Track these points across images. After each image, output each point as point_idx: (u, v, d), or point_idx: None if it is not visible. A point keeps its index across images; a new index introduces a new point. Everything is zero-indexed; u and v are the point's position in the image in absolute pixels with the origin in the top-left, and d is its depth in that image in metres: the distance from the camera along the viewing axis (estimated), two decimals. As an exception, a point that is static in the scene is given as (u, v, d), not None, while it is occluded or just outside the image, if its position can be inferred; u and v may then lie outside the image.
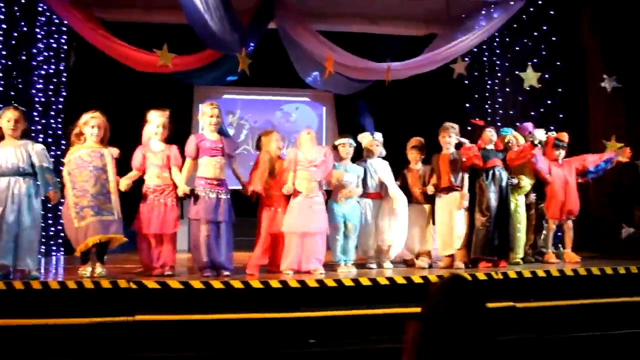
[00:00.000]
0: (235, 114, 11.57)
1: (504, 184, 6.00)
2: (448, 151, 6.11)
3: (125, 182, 5.12)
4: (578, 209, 6.59)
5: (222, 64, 8.82)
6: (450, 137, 6.10)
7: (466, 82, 10.09)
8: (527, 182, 6.38)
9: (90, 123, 5.20)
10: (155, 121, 5.38)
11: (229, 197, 5.23)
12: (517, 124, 7.60)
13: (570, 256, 6.44)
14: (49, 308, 4.23)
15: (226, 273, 5.06)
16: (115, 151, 5.26)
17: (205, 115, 5.49)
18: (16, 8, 7.92)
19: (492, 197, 5.92)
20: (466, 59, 9.70)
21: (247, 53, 7.77)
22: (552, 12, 8.30)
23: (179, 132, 10.06)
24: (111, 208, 4.97)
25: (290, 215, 5.41)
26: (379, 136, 6.57)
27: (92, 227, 4.86)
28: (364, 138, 6.50)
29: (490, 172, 6.02)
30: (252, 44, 8.50)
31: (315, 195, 5.50)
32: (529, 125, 7.11)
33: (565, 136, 6.70)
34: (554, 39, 8.33)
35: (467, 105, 10.04)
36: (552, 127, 8.04)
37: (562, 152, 6.63)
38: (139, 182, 5.36)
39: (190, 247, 5.41)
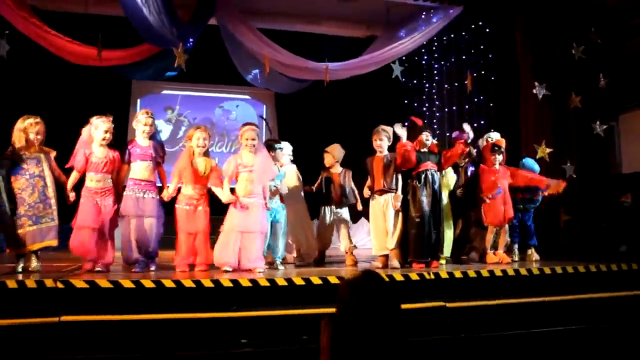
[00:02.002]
0: (174, 110, 11.40)
1: (436, 186, 6.12)
2: (381, 154, 6.18)
3: (69, 187, 5.29)
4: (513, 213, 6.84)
5: (161, 59, 8.67)
6: (381, 141, 6.17)
7: (408, 85, 10.30)
8: (450, 178, 6.73)
9: (34, 129, 5.23)
10: (102, 127, 5.38)
11: (156, 196, 5.49)
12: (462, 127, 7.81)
13: (502, 256, 6.64)
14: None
15: (152, 268, 5.42)
16: (53, 153, 5.36)
17: (140, 123, 5.63)
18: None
19: (425, 200, 6.03)
20: (405, 62, 9.93)
21: (186, 49, 7.66)
22: (484, 25, 8.57)
23: (116, 126, 9.81)
24: (51, 212, 5.16)
25: (231, 215, 5.51)
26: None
27: (30, 235, 5.04)
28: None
29: (423, 175, 6.12)
30: (191, 40, 8.38)
31: (255, 196, 5.53)
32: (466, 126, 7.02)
33: (502, 142, 6.85)
34: (489, 45, 8.60)
35: (405, 104, 10.23)
36: (482, 121, 8.32)
37: (500, 157, 6.78)
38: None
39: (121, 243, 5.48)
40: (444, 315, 4.81)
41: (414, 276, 5.07)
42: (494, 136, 7.06)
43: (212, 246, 5.52)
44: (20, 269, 5.05)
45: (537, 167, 7.11)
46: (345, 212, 6.83)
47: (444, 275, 5.20)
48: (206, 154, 5.67)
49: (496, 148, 6.75)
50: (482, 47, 8.67)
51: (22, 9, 7.57)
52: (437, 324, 4.73)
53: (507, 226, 6.73)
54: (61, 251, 5.57)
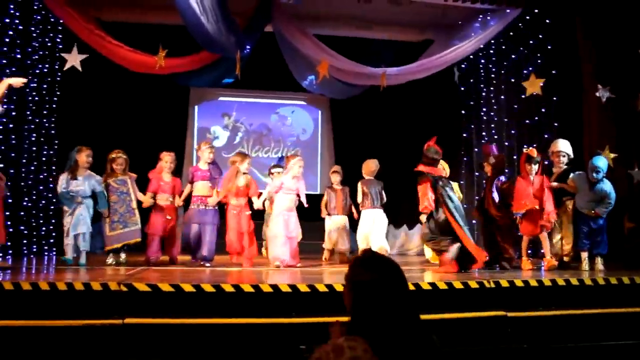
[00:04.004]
0: (231, 116, 11.56)
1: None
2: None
3: (148, 202, 7.08)
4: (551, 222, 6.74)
5: (218, 66, 8.84)
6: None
7: (462, 88, 10.13)
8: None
9: (116, 162, 6.97)
10: (167, 159, 7.26)
11: (213, 208, 7.19)
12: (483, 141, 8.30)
13: (549, 262, 6.66)
14: (39, 309, 4.19)
15: (207, 265, 6.93)
16: (134, 176, 7.10)
17: (204, 152, 7.35)
18: (12, 5, 7.89)
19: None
20: (462, 65, 9.77)
21: (243, 56, 7.77)
22: (547, 21, 8.31)
23: (175, 132, 10.19)
24: (135, 219, 6.94)
25: (278, 224, 6.97)
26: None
27: (121, 235, 6.87)
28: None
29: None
30: (248, 47, 8.50)
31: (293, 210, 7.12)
32: (493, 146, 7.49)
33: (535, 152, 6.79)
34: (549, 47, 8.34)
35: (461, 108, 10.07)
36: (546, 135, 8.07)
37: (535, 167, 6.72)
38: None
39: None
40: (504, 324, 4.69)
41: (473, 284, 4.96)
42: (561, 145, 6.91)
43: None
44: (111, 261, 6.78)
45: (601, 163, 6.78)
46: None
47: (504, 283, 5.06)
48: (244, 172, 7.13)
49: (530, 158, 6.72)
50: (541, 49, 8.43)
51: (88, 22, 7.88)
52: (497, 334, 4.62)
53: (545, 233, 6.76)
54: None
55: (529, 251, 7.32)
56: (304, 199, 7.13)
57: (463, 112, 10.03)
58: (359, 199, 7.84)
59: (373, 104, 9.99)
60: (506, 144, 9.04)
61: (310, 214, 7.85)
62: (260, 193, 7.27)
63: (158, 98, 10.28)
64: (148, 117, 10.23)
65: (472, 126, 9.89)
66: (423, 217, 6.38)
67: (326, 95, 10.96)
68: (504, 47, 9.15)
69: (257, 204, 7.04)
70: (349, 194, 8.23)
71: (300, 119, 11.83)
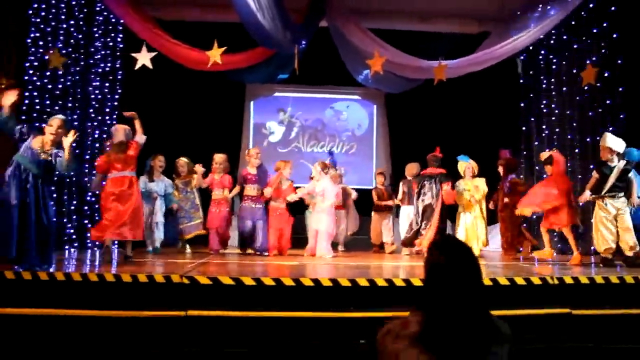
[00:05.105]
0: (286, 112, 11.63)
1: None
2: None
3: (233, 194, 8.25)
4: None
5: (274, 62, 8.89)
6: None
7: (521, 80, 9.88)
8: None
9: (181, 166, 8.31)
10: (218, 161, 8.20)
11: (263, 206, 8.04)
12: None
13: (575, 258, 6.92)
14: (101, 300, 4.33)
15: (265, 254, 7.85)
16: (200, 170, 8.11)
17: (252, 157, 8.13)
18: (76, 8, 8.16)
19: None
20: (522, 56, 9.52)
21: (298, 51, 7.79)
22: (613, 8, 7.99)
23: (231, 127, 10.38)
24: (199, 215, 8.21)
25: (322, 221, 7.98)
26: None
27: (186, 229, 8.16)
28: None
29: None
30: (303, 42, 8.51)
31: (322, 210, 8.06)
32: (507, 152, 8.28)
33: (543, 155, 7.54)
34: (615, 35, 8.02)
35: (522, 104, 9.84)
36: (611, 128, 7.77)
37: (549, 168, 7.36)
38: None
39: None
40: (569, 322, 4.56)
41: (536, 280, 4.84)
42: (609, 139, 6.63)
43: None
44: (185, 250, 8.08)
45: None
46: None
47: (568, 280, 4.92)
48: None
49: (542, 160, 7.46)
50: (605, 37, 8.11)
51: (147, 22, 8.06)
52: (561, 332, 4.50)
53: (567, 229, 7.02)
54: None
55: (559, 245, 8.34)
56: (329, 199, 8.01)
57: (522, 104, 9.79)
58: (399, 196, 8.95)
59: (429, 97, 9.84)
60: (569, 137, 8.78)
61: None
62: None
63: (215, 95, 10.45)
64: (205, 113, 10.42)
65: (532, 119, 9.63)
66: None
67: (381, 90, 10.89)
68: (565, 37, 8.87)
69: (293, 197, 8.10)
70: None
71: (355, 113, 11.80)
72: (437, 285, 2.01)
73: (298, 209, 8.73)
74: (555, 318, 4.56)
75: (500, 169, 8.12)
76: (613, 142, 6.61)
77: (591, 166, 7.78)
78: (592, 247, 7.48)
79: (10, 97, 5.19)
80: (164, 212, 8.05)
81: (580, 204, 7.11)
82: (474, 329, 1.96)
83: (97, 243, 7.56)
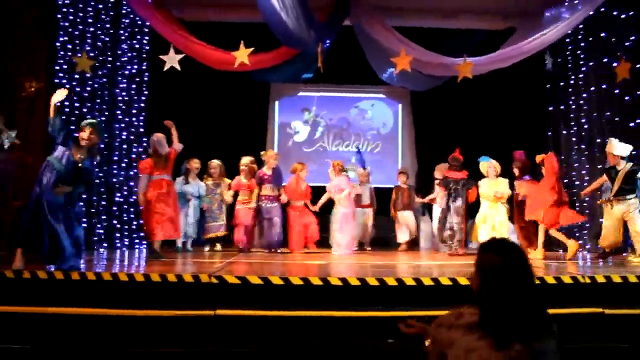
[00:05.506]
0: (310, 111, 11.63)
1: None
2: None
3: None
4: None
5: (298, 61, 8.89)
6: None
7: (549, 77, 9.75)
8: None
9: (211, 170, 8.71)
10: (244, 162, 8.54)
11: (278, 204, 8.38)
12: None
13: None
14: (131, 300, 4.37)
15: (279, 250, 8.24)
16: (228, 181, 8.62)
17: (271, 158, 8.43)
18: (103, 11, 8.26)
19: None
20: (548, 52, 9.38)
21: (322, 50, 7.78)
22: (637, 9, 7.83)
23: (256, 127, 10.47)
24: (223, 218, 8.62)
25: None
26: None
27: (209, 228, 8.58)
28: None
29: None
30: (327, 41, 8.51)
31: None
32: (521, 153, 8.29)
33: (539, 157, 7.62)
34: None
35: (550, 107, 9.72)
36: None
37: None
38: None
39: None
40: (602, 322, 4.47)
41: (566, 279, 4.76)
42: (614, 146, 6.83)
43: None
44: (207, 249, 8.49)
45: None
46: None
47: (600, 279, 4.83)
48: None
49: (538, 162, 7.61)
50: (635, 27, 7.93)
51: (172, 23, 8.13)
52: (594, 332, 4.42)
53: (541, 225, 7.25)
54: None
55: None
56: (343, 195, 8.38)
57: (551, 108, 9.68)
58: (435, 195, 9.16)
59: (454, 95, 9.75)
60: (598, 140, 8.65)
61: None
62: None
63: (240, 95, 10.51)
64: (230, 114, 10.49)
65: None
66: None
67: (406, 88, 10.82)
68: (591, 29, 8.71)
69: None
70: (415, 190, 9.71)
71: (380, 112, 11.75)
72: (493, 284, 2.09)
73: (324, 208, 8.80)
74: (587, 318, 4.47)
75: (516, 171, 8.23)
76: (618, 148, 6.81)
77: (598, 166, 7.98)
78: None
79: (58, 95, 5.27)
80: (198, 213, 8.60)
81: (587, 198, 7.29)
82: (529, 318, 2.06)
83: (143, 242, 8.48)
